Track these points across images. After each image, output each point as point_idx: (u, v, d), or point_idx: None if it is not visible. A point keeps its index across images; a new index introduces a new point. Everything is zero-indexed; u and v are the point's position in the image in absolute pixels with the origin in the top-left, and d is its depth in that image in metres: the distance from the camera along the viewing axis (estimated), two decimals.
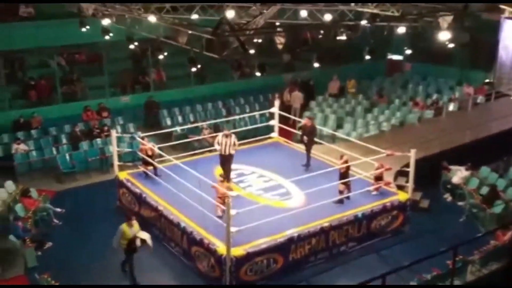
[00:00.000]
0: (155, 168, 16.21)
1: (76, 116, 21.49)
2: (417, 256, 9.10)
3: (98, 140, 20.35)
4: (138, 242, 13.20)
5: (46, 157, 19.40)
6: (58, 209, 16.24)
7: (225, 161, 15.52)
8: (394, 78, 26.94)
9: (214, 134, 19.99)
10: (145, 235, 13.33)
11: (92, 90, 22.89)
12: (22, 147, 19.25)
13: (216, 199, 13.79)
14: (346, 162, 14.99)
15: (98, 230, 15.44)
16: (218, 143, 15.51)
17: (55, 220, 15.98)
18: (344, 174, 14.92)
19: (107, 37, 18.41)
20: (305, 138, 16.99)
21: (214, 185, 13.97)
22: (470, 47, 24.13)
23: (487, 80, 24.82)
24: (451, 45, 15.69)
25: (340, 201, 14.83)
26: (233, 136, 15.57)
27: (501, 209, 15.69)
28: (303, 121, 17.46)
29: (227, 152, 15.36)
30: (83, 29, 18.82)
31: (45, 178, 18.91)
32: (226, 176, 15.02)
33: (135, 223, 13.40)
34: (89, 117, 21.55)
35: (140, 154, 16.48)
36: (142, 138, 16.75)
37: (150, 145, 16.40)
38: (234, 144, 15.39)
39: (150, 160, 16.15)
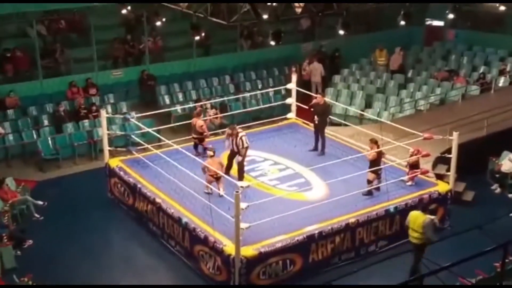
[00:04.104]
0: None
1: (60, 94, 21.57)
2: (459, 256, 9.13)
3: (86, 122, 20.46)
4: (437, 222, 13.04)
5: (25, 141, 19.54)
6: (40, 202, 16.35)
7: (233, 156, 15.56)
8: (433, 47, 26.75)
9: (220, 115, 20.16)
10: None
11: (78, 63, 22.93)
12: None
13: (207, 177, 14.42)
14: (377, 147, 14.98)
15: (86, 225, 15.63)
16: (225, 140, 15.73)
17: (36, 215, 16.12)
18: (374, 161, 14.91)
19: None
20: (316, 118, 16.95)
21: (205, 165, 14.49)
22: None
23: None
24: (502, 8, 15.55)
25: (369, 193, 14.86)
26: (241, 133, 15.34)
27: None
28: (315, 99, 17.38)
29: (235, 149, 15.36)
30: None
31: (24, 166, 19.11)
32: (238, 174, 15.18)
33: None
34: (75, 95, 21.62)
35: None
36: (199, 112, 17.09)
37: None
38: (242, 143, 15.22)
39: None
